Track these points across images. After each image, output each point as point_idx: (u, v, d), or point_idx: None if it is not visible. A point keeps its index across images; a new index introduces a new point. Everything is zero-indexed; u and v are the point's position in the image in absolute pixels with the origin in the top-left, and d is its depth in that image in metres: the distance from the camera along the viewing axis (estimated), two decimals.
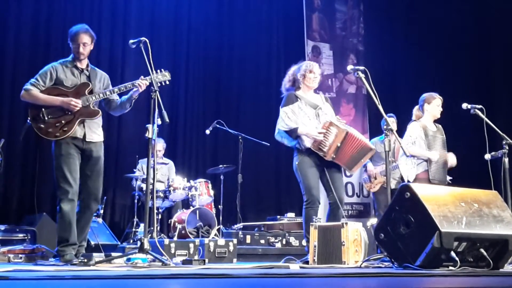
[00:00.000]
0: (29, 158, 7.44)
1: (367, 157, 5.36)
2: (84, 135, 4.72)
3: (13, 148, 7.31)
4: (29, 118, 4.67)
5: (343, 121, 5.33)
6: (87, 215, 4.79)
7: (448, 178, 5.99)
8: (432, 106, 5.88)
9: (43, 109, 4.63)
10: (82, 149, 4.74)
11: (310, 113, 5.23)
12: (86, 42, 4.79)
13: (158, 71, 4.91)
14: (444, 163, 5.83)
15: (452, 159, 5.90)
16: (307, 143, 5.13)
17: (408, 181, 5.73)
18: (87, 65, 4.87)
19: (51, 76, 4.73)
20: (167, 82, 5.01)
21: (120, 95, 4.95)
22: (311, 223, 4.81)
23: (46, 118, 4.63)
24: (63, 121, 4.65)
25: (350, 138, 5.12)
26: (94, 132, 4.79)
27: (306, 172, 5.15)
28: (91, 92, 4.76)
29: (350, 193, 8.84)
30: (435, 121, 6.00)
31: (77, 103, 4.64)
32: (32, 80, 4.71)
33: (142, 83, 4.76)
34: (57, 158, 4.67)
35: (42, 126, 4.62)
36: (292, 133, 5.19)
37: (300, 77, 5.33)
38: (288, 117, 5.22)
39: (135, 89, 4.76)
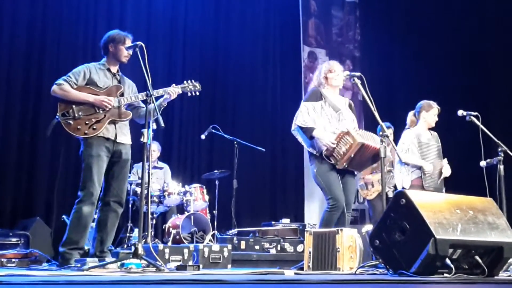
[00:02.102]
0: (24, 162, 7.41)
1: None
2: (115, 136, 4.74)
3: (7, 152, 7.29)
4: (57, 114, 4.64)
5: (365, 131, 5.13)
6: (114, 219, 4.77)
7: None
8: (429, 114, 5.89)
9: (73, 106, 4.63)
10: (113, 151, 4.75)
11: (331, 114, 5.12)
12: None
13: (190, 81, 5.02)
14: (439, 172, 5.84)
15: (446, 170, 5.87)
16: (322, 147, 5.03)
17: (403, 188, 5.74)
18: (118, 70, 4.93)
19: (84, 75, 4.74)
20: (197, 93, 5.13)
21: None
22: (306, 230, 4.78)
23: (76, 115, 4.62)
24: (93, 119, 4.65)
25: (364, 149, 4.97)
26: (124, 134, 4.83)
27: (328, 177, 5.03)
28: (121, 95, 4.80)
29: (353, 200, 8.82)
30: (431, 128, 6.00)
31: (110, 100, 4.67)
32: (64, 76, 4.72)
33: (173, 91, 4.85)
34: (87, 159, 4.64)
35: (71, 122, 4.62)
36: (307, 132, 5.07)
37: (323, 80, 5.25)
38: (307, 113, 5.09)
39: (166, 96, 4.81)
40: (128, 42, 4.87)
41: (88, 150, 4.64)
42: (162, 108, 4.89)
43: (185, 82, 5.06)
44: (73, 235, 4.58)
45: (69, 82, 4.69)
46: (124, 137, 4.84)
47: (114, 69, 4.91)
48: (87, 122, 4.64)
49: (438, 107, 5.95)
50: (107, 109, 4.68)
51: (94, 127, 4.65)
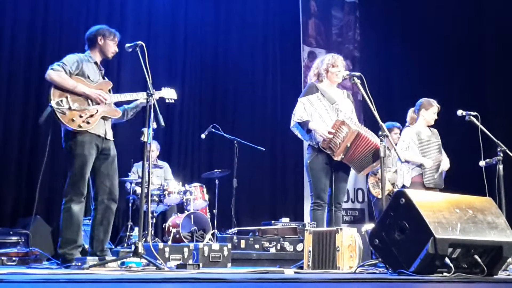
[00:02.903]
0: (24, 161, 7.42)
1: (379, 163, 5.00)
2: (105, 133, 4.68)
3: (7, 151, 7.29)
4: (51, 102, 4.46)
5: (365, 127, 5.13)
6: (109, 217, 4.71)
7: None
8: (429, 113, 5.90)
9: (67, 96, 4.50)
10: (101, 148, 4.67)
11: (328, 106, 5.11)
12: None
13: (168, 88, 5.01)
14: (437, 166, 5.85)
15: (444, 164, 5.89)
16: (319, 138, 5.02)
17: (404, 186, 5.75)
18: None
19: (77, 65, 4.62)
20: (172, 101, 5.11)
21: (119, 104, 4.95)
22: (305, 229, 4.79)
23: (71, 106, 4.49)
24: (87, 113, 4.55)
25: (361, 139, 4.94)
26: (110, 130, 4.78)
27: (317, 173, 5.06)
28: (109, 92, 4.75)
29: (344, 198, 8.82)
30: (431, 125, 6.02)
31: (105, 97, 4.62)
32: (59, 62, 4.55)
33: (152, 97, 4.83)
34: (78, 157, 4.54)
35: (66, 113, 4.47)
36: (304, 126, 5.07)
37: (323, 72, 5.23)
38: (304, 108, 5.11)
39: (142, 100, 4.79)
40: (116, 40, 4.85)
41: (81, 148, 4.54)
42: (136, 111, 4.90)
43: (162, 88, 5.03)
44: (68, 235, 4.52)
45: (65, 69, 4.54)
46: (111, 133, 4.78)
47: (98, 64, 4.84)
48: (81, 115, 4.51)
49: (438, 106, 5.96)
50: (102, 104, 4.62)
51: (88, 121, 4.53)
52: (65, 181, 4.61)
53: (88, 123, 4.54)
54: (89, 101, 4.59)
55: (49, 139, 4.57)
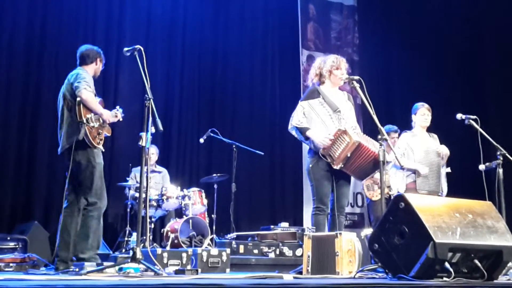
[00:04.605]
0: (22, 167, 7.40)
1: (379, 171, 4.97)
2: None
3: (5, 156, 7.27)
4: (82, 118, 4.68)
5: (366, 136, 5.06)
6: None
7: (447, 170, 5.97)
8: (417, 116, 5.92)
9: (92, 114, 4.74)
10: None
11: (331, 112, 5.05)
12: None
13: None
14: (437, 173, 5.82)
15: (443, 148, 5.87)
16: (319, 145, 4.97)
17: (399, 192, 5.74)
18: None
19: (93, 86, 4.84)
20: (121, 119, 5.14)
21: None
22: (305, 234, 4.77)
23: (94, 124, 4.75)
24: (100, 131, 4.83)
25: (362, 150, 4.88)
26: None
27: (319, 178, 5.01)
28: None
29: (347, 202, 8.80)
30: (431, 131, 6.00)
31: (111, 118, 4.87)
32: (86, 82, 4.71)
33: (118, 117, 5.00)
34: (98, 166, 4.82)
35: (93, 130, 4.75)
36: (303, 133, 5.04)
37: (326, 73, 5.14)
38: (303, 113, 5.05)
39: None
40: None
41: (99, 158, 4.83)
42: None
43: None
44: (95, 241, 4.75)
45: (91, 89, 4.77)
46: None
47: None
48: (98, 132, 4.81)
49: (426, 107, 5.92)
50: (107, 123, 4.88)
51: (101, 138, 4.85)
52: (84, 192, 4.79)
53: (101, 139, 4.85)
54: (102, 121, 4.83)
55: (71, 157, 4.71)
